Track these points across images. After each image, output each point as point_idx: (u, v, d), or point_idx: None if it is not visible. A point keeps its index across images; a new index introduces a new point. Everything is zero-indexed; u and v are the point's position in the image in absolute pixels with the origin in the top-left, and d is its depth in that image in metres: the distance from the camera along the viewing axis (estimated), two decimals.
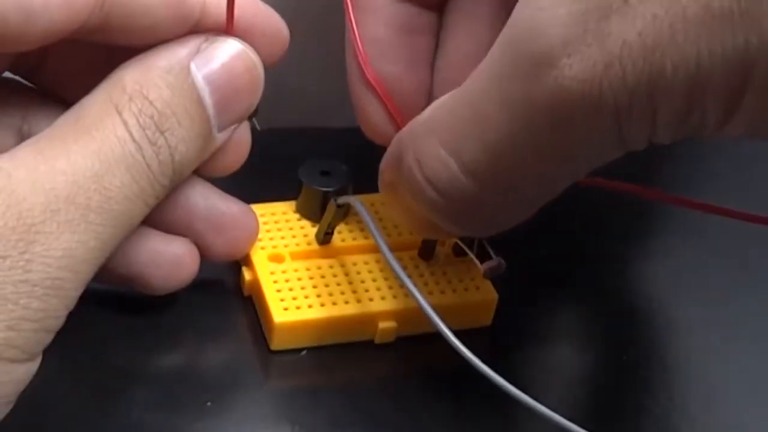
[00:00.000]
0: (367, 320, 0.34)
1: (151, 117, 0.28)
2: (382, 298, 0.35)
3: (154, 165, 0.28)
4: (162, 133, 0.28)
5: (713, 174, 0.43)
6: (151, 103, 0.28)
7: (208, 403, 0.32)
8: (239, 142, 0.32)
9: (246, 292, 0.35)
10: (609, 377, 0.35)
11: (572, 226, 0.41)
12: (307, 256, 0.36)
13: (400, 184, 0.29)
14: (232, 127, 0.31)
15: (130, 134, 0.27)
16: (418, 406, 0.33)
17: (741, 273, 0.39)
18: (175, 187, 0.30)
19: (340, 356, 0.34)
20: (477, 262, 0.34)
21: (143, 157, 0.28)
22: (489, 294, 0.35)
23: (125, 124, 0.27)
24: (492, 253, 0.33)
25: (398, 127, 0.31)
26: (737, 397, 0.34)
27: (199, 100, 0.29)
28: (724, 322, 0.37)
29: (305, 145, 0.42)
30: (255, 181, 0.38)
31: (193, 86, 0.29)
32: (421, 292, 0.31)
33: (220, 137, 0.30)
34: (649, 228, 0.40)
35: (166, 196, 0.29)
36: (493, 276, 0.34)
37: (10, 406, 0.27)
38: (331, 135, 0.43)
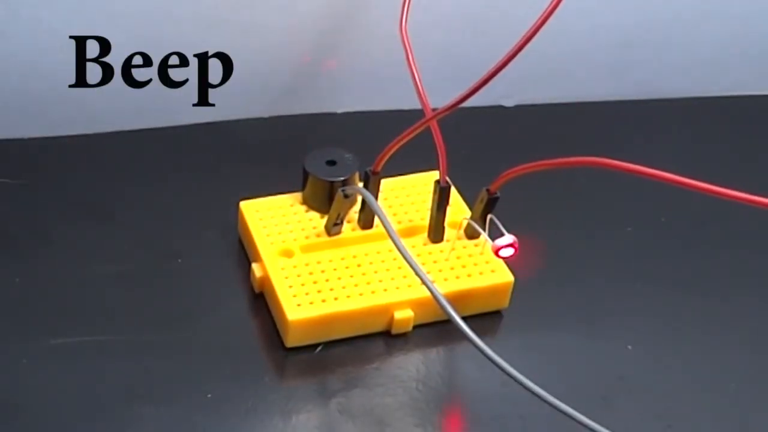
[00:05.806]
0: (382, 311, 0.34)
1: None
2: (397, 287, 0.34)
3: None
4: None
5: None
6: None
7: (208, 395, 0.32)
8: None
9: (257, 289, 0.35)
10: (618, 366, 0.34)
11: (588, 207, 0.40)
12: (317, 248, 0.35)
13: None
14: None
15: None
16: (437, 395, 0.33)
17: (755, 262, 0.38)
18: None
19: (354, 349, 0.34)
20: (490, 241, 0.33)
21: None
22: (505, 277, 0.35)
23: None
24: (504, 230, 0.32)
25: None
26: (744, 390, 0.34)
27: None
28: (737, 313, 0.36)
29: (309, 132, 0.42)
30: (259, 173, 0.37)
31: None
32: (431, 279, 0.30)
33: None
34: (663, 211, 0.39)
35: None
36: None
37: None
38: (334, 120, 0.42)
